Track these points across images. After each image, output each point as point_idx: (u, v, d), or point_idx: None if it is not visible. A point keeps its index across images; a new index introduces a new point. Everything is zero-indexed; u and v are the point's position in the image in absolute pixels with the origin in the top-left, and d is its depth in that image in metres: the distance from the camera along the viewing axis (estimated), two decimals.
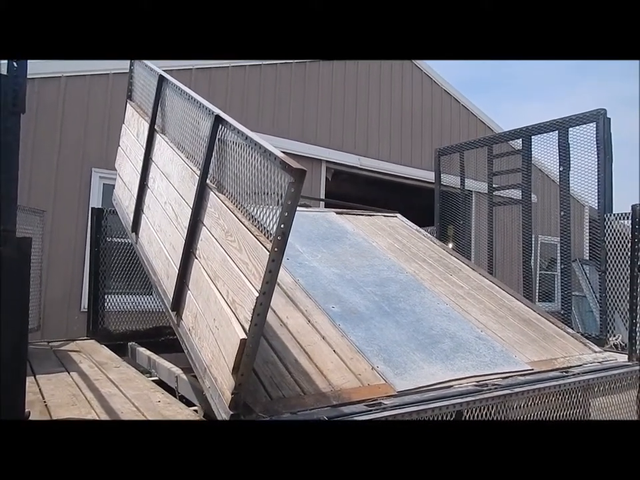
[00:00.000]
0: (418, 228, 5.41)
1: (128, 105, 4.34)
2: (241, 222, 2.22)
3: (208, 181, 2.61)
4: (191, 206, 2.66)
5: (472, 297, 4.00)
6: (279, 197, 1.94)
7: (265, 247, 1.98)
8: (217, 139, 2.55)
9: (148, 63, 3.82)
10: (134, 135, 4.02)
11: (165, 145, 3.28)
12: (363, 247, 4.47)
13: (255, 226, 2.13)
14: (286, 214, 1.90)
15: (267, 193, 2.05)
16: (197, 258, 2.59)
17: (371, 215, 5.47)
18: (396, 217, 5.63)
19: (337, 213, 5.24)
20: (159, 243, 3.13)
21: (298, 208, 5.40)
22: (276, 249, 1.92)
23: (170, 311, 2.80)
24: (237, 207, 2.32)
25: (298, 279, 3.61)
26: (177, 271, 2.71)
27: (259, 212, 2.11)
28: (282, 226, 1.91)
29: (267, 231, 2.02)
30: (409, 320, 3.39)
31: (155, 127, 3.50)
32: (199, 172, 2.65)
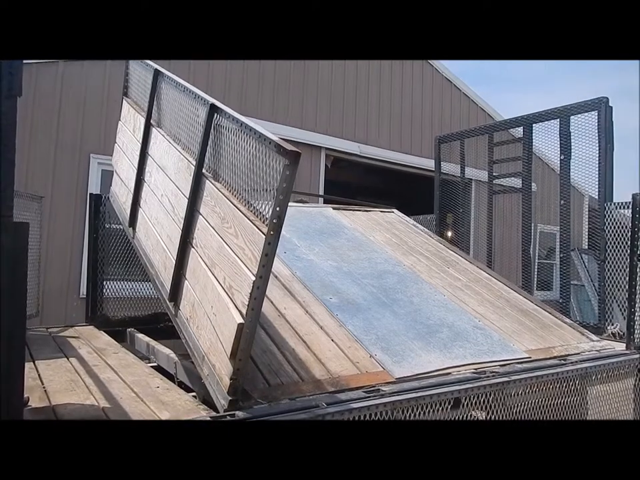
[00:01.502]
0: (415, 223, 5.45)
1: (124, 101, 4.36)
2: (237, 208, 2.23)
3: (204, 171, 2.62)
4: (188, 196, 2.67)
5: (469, 289, 4.01)
6: (274, 181, 1.95)
7: (261, 231, 1.99)
8: (212, 128, 2.56)
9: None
10: (130, 131, 4.03)
11: (161, 138, 3.30)
12: (360, 241, 4.48)
13: (251, 211, 2.15)
14: (281, 197, 1.92)
15: (263, 178, 2.05)
16: (193, 247, 2.60)
17: (367, 211, 5.50)
18: (393, 212, 5.66)
19: (334, 208, 5.26)
20: (156, 236, 3.13)
21: (295, 204, 5.41)
22: (272, 232, 1.94)
23: (168, 302, 2.81)
24: (232, 194, 2.33)
25: (295, 272, 3.61)
26: (174, 262, 2.72)
27: (254, 197, 2.12)
28: (277, 209, 1.92)
29: (263, 215, 2.04)
30: (406, 310, 3.40)
31: (151, 121, 3.51)
32: (194, 162, 2.66)
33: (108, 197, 4.59)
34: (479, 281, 4.23)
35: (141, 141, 3.57)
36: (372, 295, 3.51)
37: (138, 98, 3.99)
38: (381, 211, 5.60)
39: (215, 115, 2.52)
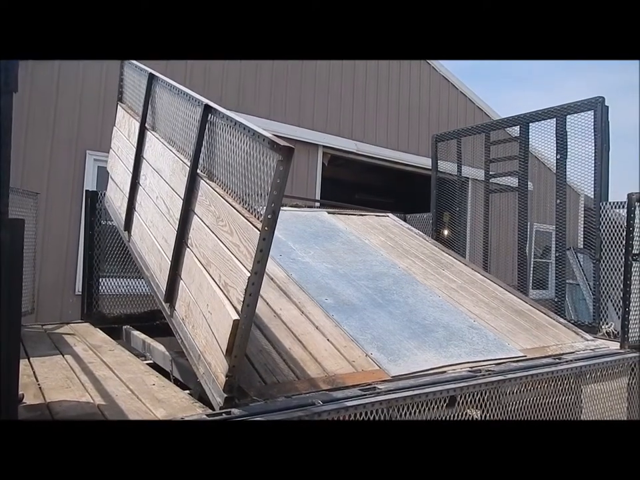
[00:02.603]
0: (410, 227, 5.49)
1: (119, 107, 4.38)
2: (232, 206, 2.25)
3: (199, 171, 2.64)
4: (183, 197, 2.68)
5: (464, 290, 4.03)
6: (268, 177, 1.96)
7: (256, 227, 2.01)
8: (206, 128, 2.58)
9: (137, 63, 3.86)
10: (125, 136, 4.05)
11: (156, 141, 3.31)
12: (355, 244, 4.51)
13: (246, 208, 2.16)
14: (275, 192, 1.93)
15: (257, 175, 2.06)
16: (189, 247, 2.61)
17: (362, 215, 5.54)
18: (387, 216, 5.70)
19: (329, 212, 5.30)
20: (151, 238, 3.15)
21: (290, 208, 5.44)
22: (266, 228, 1.95)
23: (163, 303, 2.81)
24: (227, 192, 2.35)
25: (291, 274, 3.63)
26: (170, 263, 2.73)
27: (249, 194, 2.14)
28: (272, 205, 1.94)
29: (257, 211, 2.06)
30: (402, 311, 3.41)
31: (146, 124, 3.53)
32: (189, 163, 2.68)
33: (104, 194, 4.58)
34: (474, 283, 4.26)
35: (135, 144, 3.59)
36: (367, 296, 3.52)
37: (132, 103, 4.02)
38: (376, 215, 5.65)
39: (209, 115, 2.55)
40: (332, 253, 4.19)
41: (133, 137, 3.71)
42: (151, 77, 3.46)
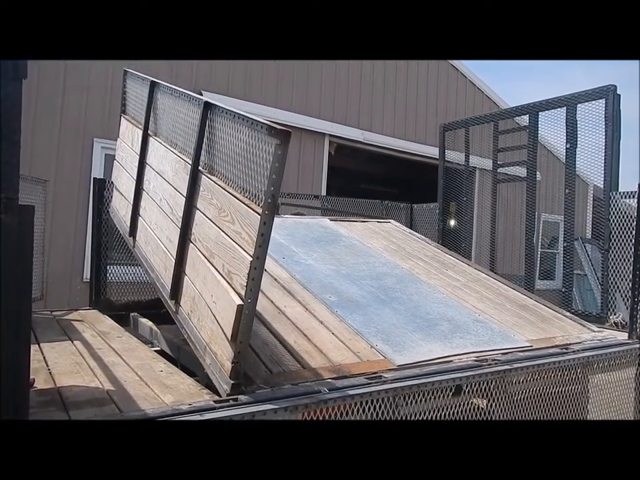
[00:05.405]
0: (412, 232, 5.54)
1: (122, 118, 4.46)
2: (233, 195, 2.29)
3: (200, 167, 2.69)
4: (185, 194, 2.73)
5: (468, 288, 4.05)
6: (267, 163, 2.00)
7: (256, 212, 2.05)
8: (206, 125, 2.64)
9: (139, 73, 3.97)
10: (129, 145, 4.13)
11: (159, 145, 3.38)
12: (357, 248, 4.56)
13: (246, 197, 2.20)
14: (274, 176, 1.97)
15: (257, 162, 2.10)
16: (192, 242, 2.65)
17: (364, 221, 5.60)
18: (389, 222, 5.75)
19: (331, 219, 5.37)
20: (156, 240, 3.20)
21: (292, 216, 5.48)
22: (267, 212, 1.99)
23: (168, 300, 2.85)
24: (228, 184, 2.39)
25: (294, 274, 3.66)
26: (174, 261, 2.76)
27: (249, 183, 2.19)
28: (272, 188, 1.98)
29: (258, 197, 2.09)
30: (406, 307, 3.43)
31: (149, 131, 3.60)
32: (191, 161, 2.73)
33: (112, 182, 4.59)
34: (478, 281, 4.28)
35: (139, 151, 3.65)
36: (371, 294, 3.55)
37: (135, 113, 4.10)
38: (378, 221, 5.70)
39: (208, 112, 2.60)
40: (335, 255, 4.23)
41: (137, 145, 3.78)
42: (153, 84, 3.54)
